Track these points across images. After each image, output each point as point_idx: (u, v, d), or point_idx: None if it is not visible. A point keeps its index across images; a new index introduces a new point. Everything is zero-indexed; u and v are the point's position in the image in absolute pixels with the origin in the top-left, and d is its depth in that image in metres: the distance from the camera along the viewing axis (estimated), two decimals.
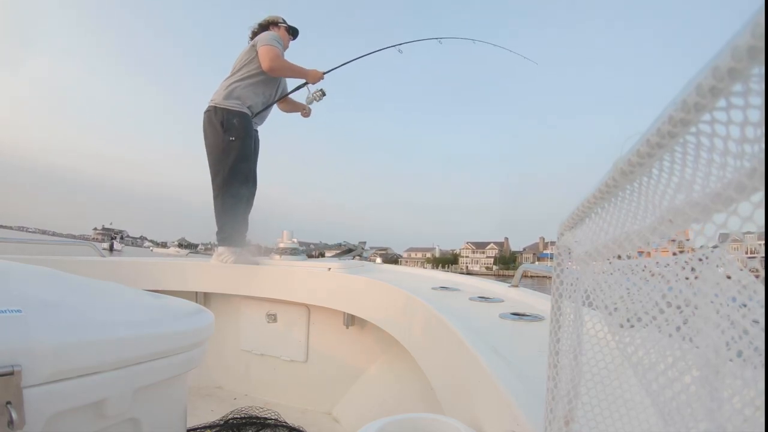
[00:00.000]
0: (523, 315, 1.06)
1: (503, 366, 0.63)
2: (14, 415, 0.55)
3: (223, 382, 2.14)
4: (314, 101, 2.45)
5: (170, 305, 0.99)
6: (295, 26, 2.48)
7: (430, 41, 2.57)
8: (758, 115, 0.15)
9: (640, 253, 0.25)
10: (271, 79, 2.32)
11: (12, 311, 0.62)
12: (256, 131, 2.37)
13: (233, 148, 2.17)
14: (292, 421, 1.68)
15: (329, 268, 1.99)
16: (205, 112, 2.25)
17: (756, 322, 0.17)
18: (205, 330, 0.96)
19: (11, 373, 0.56)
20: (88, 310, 0.77)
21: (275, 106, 2.47)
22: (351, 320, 1.94)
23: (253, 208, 2.33)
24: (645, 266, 0.26)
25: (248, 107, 2.25)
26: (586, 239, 0.33)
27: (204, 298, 2.21)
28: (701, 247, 0.21)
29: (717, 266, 0.21)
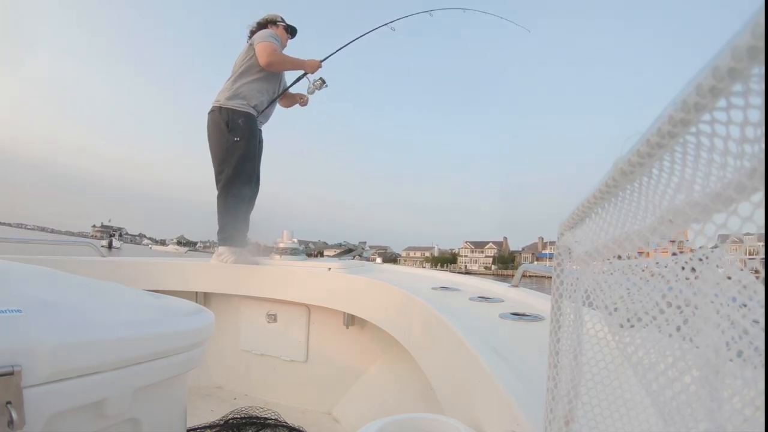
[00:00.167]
0: (523, 315, 1.06)
1: (503, 366, 0.63)
2: (14, 415, 0.55)
3: (223, 382, 2.14)
4: (316, 90, 2.45)
5: (170, 305, 0.99)
6: (294, 25, 2.49)
7: (421, 21, 2.55)
8: (758, 115, 0.15)
9: (640, 253, 0.25)
10: (272, 75, 2.33)
11: (12, 311, 0.62)
12: (261, 131, 2.38)
13: (238, 148, 2.18)
14: (292, 421, 1.68)
15: (329, 268, 1.99)
16: (209, 113, 2.26)
17: (756, 322, 0.17)
18: (205, 330, 0.96)
19: (11, 373, 0.56)
20: (88, 310, 0.77)
21: (278, 104, 2.47)
22: (351, 320, 1.94)
23: (254, 207, 2.33)
24: (645, 266, 0.26)
25: (253, 106, 2.25)
26: (586, 239, 0.33)
27: (204, 298, 2.21)
28: (701, 247, 0.21)
29: (717, 266, 0.21)
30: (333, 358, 2.02)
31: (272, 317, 2.11)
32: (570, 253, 0.37)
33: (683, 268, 0.23)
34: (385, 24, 2.49)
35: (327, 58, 2.40)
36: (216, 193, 2.22)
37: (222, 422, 1.60)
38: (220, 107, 2.21)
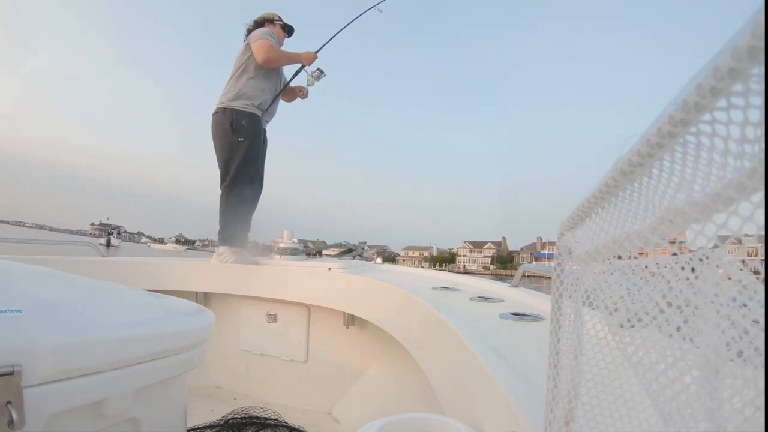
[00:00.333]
0: (524, 315, 1.06)
1: (503, 366, 0.63)
2: (14, 415, 0.55)
3: (223, 382, 2.14)
4: (315, 82, 2.46)
5: (170, 305, 0.99)
6: (291, 24, 2.49)
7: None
8: (758, 115, 0.15)
9: (640, 254, 0.25)
10: (272, 72, 2.33)
11: (12, 311, 0.62)
12: (265, 131, 2.38)
13: (241, 148, 2.18)
14: (292, 421, 1.68)
15: (329, 268, 1.99)
16: (213, 114, 2.26)
17: (756, 322, 0.17)
18: (205, 330, 0.96)
19: (11, 373, 0.56)
20: (88, 310, 0.77)
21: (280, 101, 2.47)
22: (351, 320, 1.94)
23: (256, 208, 2.33)
24: (645, 266, 0.26)
25: (257, 105, 2.26)
26: (587, 239, 0.33)
27: (204, 298, 2.21)
28: (700, 248, 0.21)
29: (717, 266, 0.21)
30: (333, 358, 2.02)
31: (272, 317, 2.11)
32: (570, 253, 0.37)
33: (683, 268, 0.23)
34: (372, 6, 2.49)
35: (321, 48, 2.41)
36: (220, 193, 2.23)
37: (222, 422, 1.60)
38: (224, 108, 2.21)
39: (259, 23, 2.42)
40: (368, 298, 1.75)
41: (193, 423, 1.54)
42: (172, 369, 0.86)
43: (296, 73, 2.44)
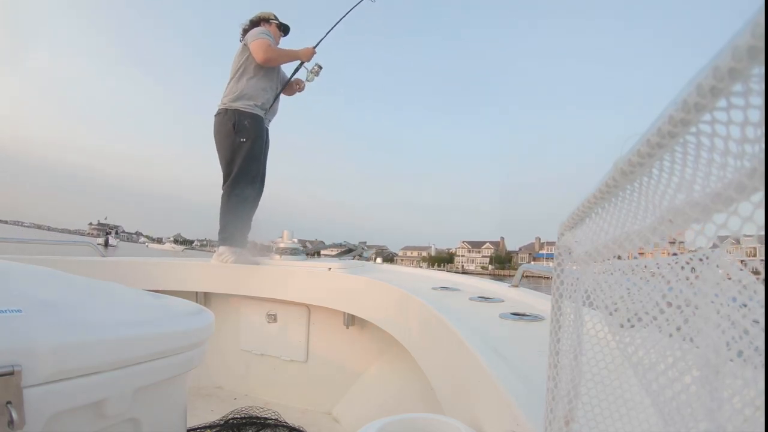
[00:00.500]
0: (523, 315, 1.06)
1: (503, 366, 0.63)
2: (14, 415, 0.55)
3: (223, 382, 2.14)
4: (314, 77, 2.47)
5: (170, 305, 0.99)
6: (287, 23, 2.50)
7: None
8: (758, 115, 0.15)
9: (640, 254, 0.25)
10: (271, 70, 2.34)
11: (12, 311, 0.62)
12: (267, 131, 2.39)
13: (243, 149, 2.19)
14: (292, 421, 1.68)
15: (329, 268, 1.99)
16: (216, 115, 2.27)
17: (756, 322, 0.17)
18: (205, 330, 0.96)
19: (11, 373, 0.56)
20: (88, 310, 0.77)
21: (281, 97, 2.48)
22: (351, 320, 1.94)
23: (257, 208, 2.34)
24: (645, 266, 0.26)
25: (260, 105, 2.27)
26: (587, 239, 0.33)
27: (204, 298, 2.21)
28: (697, 249, 0.21)
29: (717, 266, 0.21)
30: (333, 358, 2.02)
31: (272, 317, 2.11)
32: (570, 253, 0.37)
33: (683, 268, 0.23)
34: None
35: (319, 43, 2.42)
36: (222, 193, 2.23)
37: (222, 422, 1.60)
38: (227, 109, 2.22)
39: (255, 23, 2.43)
40: (368, 298, 1.75)
41: (193, 423, 1.54)
42: (172, 369, 0.86)
43: (296, 70, 2.45)
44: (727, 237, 0.19)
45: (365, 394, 1.86)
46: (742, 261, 0.20)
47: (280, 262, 2.21)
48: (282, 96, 2.47)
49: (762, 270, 0.18)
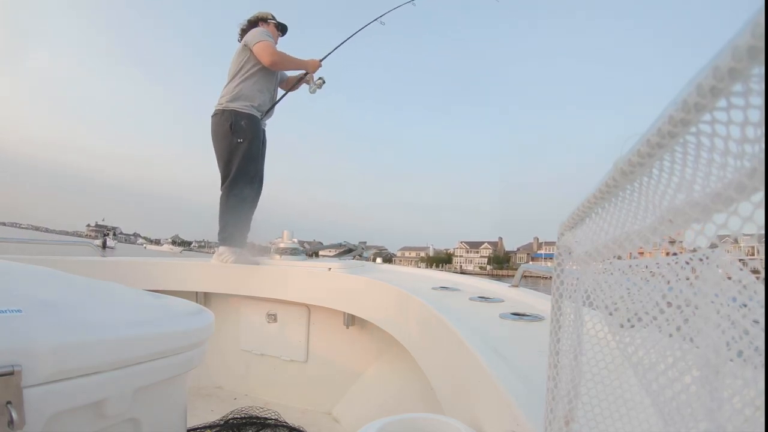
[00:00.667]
0: (523, 315, 1.06)
1: (503, 366, 0.63)
2: (14, 415, 0.55)
3: (223, 382, 2.14)
4: (317, 90, 2.47)
5: (170, 305, 0.99)
6: (284, 23, 2.50)
7: (407, 5, 2.60)
8: (758, 115, 0.15)
9: (640, 253, 0.25)
10: (270, 72, 2.34)
11: (12, 311, 0.62)
12: (264, 131, 2.39)
13: (241, 149, 2.19)
14: (292, 421, 1.68)
15: (329, 268, 1.99)
16: (213, 116, 2.27)
17: (756, 322, 0.17)
18: (205, 330, 0.96)
19: (11, 373, 0.56)
20: (88, 310, 0.77)
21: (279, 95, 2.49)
22: (351, 320, 1.94)
23: (256, 208, 2.34)
24: (645, 266, 0.26)
25: (256, 107, 2.27)
26: (587, 239, 0.33)
27: (204, 298, 2.21)
28: (695, 249, 0.21)
29: (717, 266, 0.21)
30: (333, 358, 2.02)
31: (272, 317, 2.11)
32: (570, 253, 0.37)
33: (683, 268, 0.23)
34: (375, 20, 2.52)
35: (326, 57, 2.43)
36: (221, 194, 2.23)
37: (222, 422, 1.60)
38: (223, 110, 2.22)
39: (253, 22, 2.43)
40: (368, 298, 1.75)
41: (193, 423, 1.54)
42: (172, 369, 0.86)
43: (299, 80, 2.46)
44: (725, 236, 0.19)
45: (365, 394, 1.86)
46: (741, 261, 0.20)
47: (280, 262, 2.21)
48: (280, 95, 2.48)
49: (762, 270, 0.18)
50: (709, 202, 0.18)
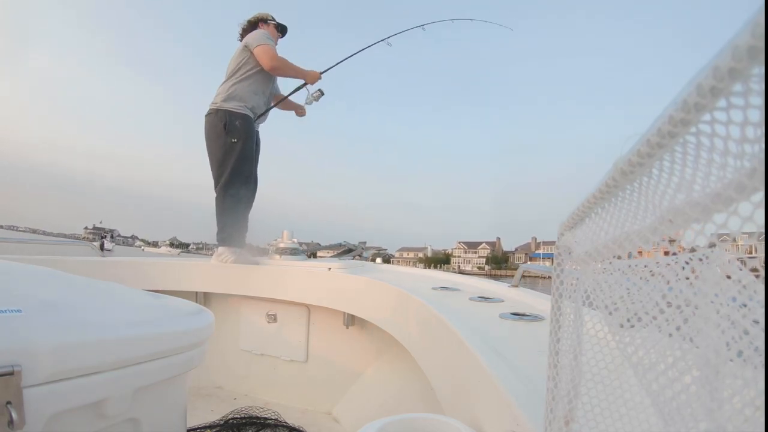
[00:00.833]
0: (523, 315, 1.06)
1: (503, 366, 0.63)
2: (14, 415, 0.55)
3: (223, 382, 2.14)
4: (314, 101, 2.47)
5: (170, 305, 0.99)
6: (284, 24, 2.50)
7: (416, 30, 2.62)
8: (758, 115, 0.15)
9: (639, 253, 0.25)
10: (267, 76, 2.34)
11: (12, 311, 0.62)
12: (258, 132, 2.39)
13: (235, 149, 2.19)
14: (292, 421, 1.68)
15: (329, 268, 1.99)
16: (206, 115, 2.26)
17: (756, 322, 0.17)
18: (205, 330, 0.96)
19: (11, 373, 0.56)
20: (88, 310, 0.77)
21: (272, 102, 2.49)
22: (351, 320, 1.94)
23: (252, 208, 2.34)
24: (645, 266, 0.26)
25: (250, 108, 2.26)
26: (586, 239, 0.33)
27: (204, 298, 2.21)
28: (692, 249, 0.21)
29: (717, 266, 0.21)
30: (333, 358, 2.02)
31: (272, 317, 2.11)
32: (570, 253, 0.37)
33: (683, 268, 0.23)
34: (382, 39, 2.53)
35: (327, 70, 2.43)
36: (215, 195, 2.23)
37: (222, 422, 1.60)
38: (217, 109, 2.22)
39: (253, 23, 2.43)
40: (368, 298, 1.75)
41: (193, 423, 1.54)
42: (172, 369, 0.86)
43: (297, 89, 2.46)
44: (724, 235, 0.19)
45: (365, 394, 1.86)
46: (741, 260, 0.20)
47: (280, 262, 2.21)
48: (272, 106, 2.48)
49: (762, 269, 0.18)
50: (709, 202, 0.18)
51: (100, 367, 0.69)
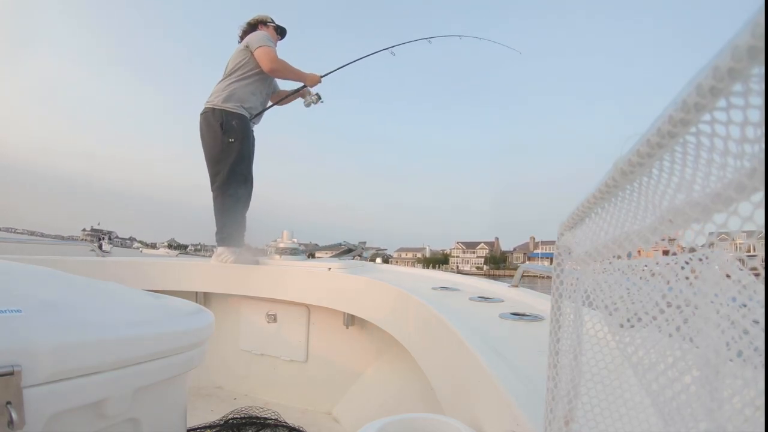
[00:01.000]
0: (523, 315, 1.06)
1: (503, 366, 0.63)
2: (14, 415, 0.55)
3: (223, 382, 2.14)
4: (312, 104, 2.47)
5: (170, 305, 0.99)
6: (284, 26, 2.50)
7: (421, 41, 2.62)
8: (758, 115, 0.15)
9: (639, 253, 0.25)
10: (265, 77, 2.34)
11: (12, 311, 0.62)
12: (253, 131, 2.39)
13: (233, 149, 2.18)
14: (292, 421, 1.68)
15: (329, 268, 1.99)
16: (201, 114, 2.26)
17: (756, 322, 0.17)
18: (205, 330, 0.96)
19: (11, 373, 0.56)
20: (88, 310, 0.77)
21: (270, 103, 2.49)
22: (351, 320, 1.94)
23: (248, 208, 2.34)
24: (645, 266, 0.26)
25: (247, 108, 2.26)
26: (586, 239, 0.33)
27: (204, 298, 2.21)
28: (692, 249, 0.21)
29: (717, 266, 0.21)
30: (333, 358, 2.02)
31: (272, 317, 2.11)
32: (570, 253, 0.37)
33: (683, 268, 0.23)
34: (386, 48, 2.53)
35: (327, 74, 2.43)
36: (211, 194, 2.22)
37: (222, 422, 1.60)
38: (213, 108, 2.21)
39: (253, 25, 2.43)
40: (368, 298, 1.75)
41: (193, 423, 1.54)
42: (172, 369, 0.86)
43: (295, 91, 2.47)
44: (723, 234, 0.19)
45: (365, 394, 1.86)
46: (741, 260, 0.20)
47: (280, 262, 2.21)
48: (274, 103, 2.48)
49: (762, 269, 0.18)
50: (709, 202, 0.18)
51: (100, 367, 0.69)
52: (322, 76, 2.40)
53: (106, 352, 0.70)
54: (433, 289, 1.58)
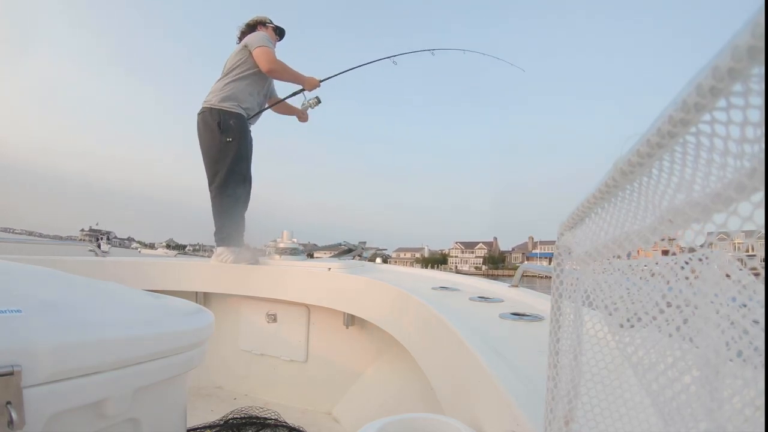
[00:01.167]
0: (523, 315, 1.06)
1: (503, 366, 0.63)
2: (14, 415, 0.55)
3: (223, 382, 2.14)
4: (309, 108, 2.47)
5: (170, 305, 0.99)
6: (282, 27, 2.50)
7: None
8: (758, 115, 0.15)
9: (638, 253, 0.25)
10: (263, 77, 2.34)
11: (12, 311, 0.62)
12: (250, 131, 2.39)
13: (231, 149, 2.18)
14: (292, 421, 1.68)
15: (329, 268, 1.99)
16: (199, 114, 2.25)
17: (756, 322, 0.17)
18: (205, 330, 0.96)
19: (11, 373, 0.56)
20: (88, 310, 0.77)
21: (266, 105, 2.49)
22: (351, 320, 1.94)
23: (248, 208, 2.34)
24: (645, 266, 0.26)
25: (244, 108, 2.26)
26: (586, 239, 0.33)
27: (204, 298, 2.21)
28: (693, 249, 0.21)
29: (717, 266, 0.21)
30: (333, 358, 2.02)
31: (272, 317, 2.11)
32: (570, 253, 0.37)
33: (683, 268, 0.23)
34: (388, 57, 2.52)
35: (326, 79, 2.42)
36: (209, 194, 2.22)
37: (222, 422, 1.60)
38: (211, 108, 2.21)
39: (252, 26, 2.43)
40: (368, 298, 1.75)
41: (193, 423, 1.54)
42: (172, 369, 0.86)
43: (293, 94, 2.46)
44: (722, 233, 0.19)
45: (365, 394, 1.86)
46: (741, 260, 0.20)
47: (280, 261, 2.21)
48: (272, 111, 2.48)
49: (762, 270, 0.18)
50: (708, 202, 0.18)
51: (100, 367, 0.69)
52: (321, 81, 2.39)
53: (106, 352, 0.70)
54: (433, 289, 1.58)
